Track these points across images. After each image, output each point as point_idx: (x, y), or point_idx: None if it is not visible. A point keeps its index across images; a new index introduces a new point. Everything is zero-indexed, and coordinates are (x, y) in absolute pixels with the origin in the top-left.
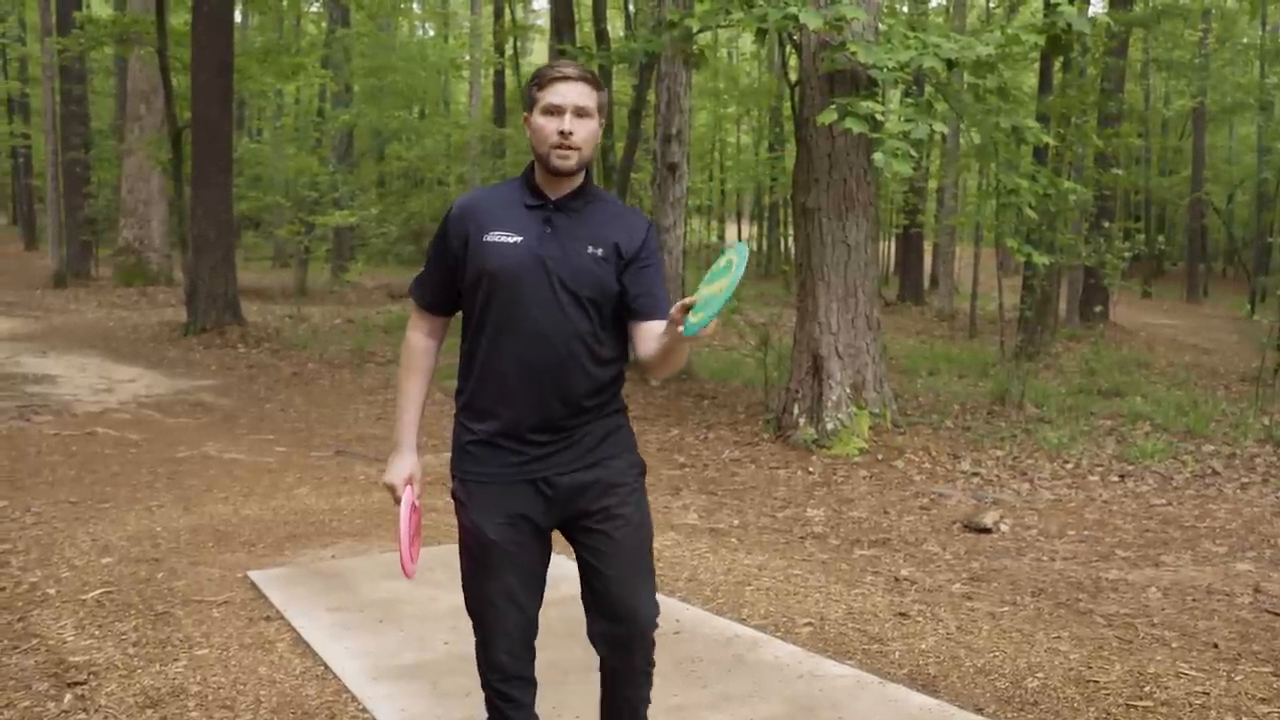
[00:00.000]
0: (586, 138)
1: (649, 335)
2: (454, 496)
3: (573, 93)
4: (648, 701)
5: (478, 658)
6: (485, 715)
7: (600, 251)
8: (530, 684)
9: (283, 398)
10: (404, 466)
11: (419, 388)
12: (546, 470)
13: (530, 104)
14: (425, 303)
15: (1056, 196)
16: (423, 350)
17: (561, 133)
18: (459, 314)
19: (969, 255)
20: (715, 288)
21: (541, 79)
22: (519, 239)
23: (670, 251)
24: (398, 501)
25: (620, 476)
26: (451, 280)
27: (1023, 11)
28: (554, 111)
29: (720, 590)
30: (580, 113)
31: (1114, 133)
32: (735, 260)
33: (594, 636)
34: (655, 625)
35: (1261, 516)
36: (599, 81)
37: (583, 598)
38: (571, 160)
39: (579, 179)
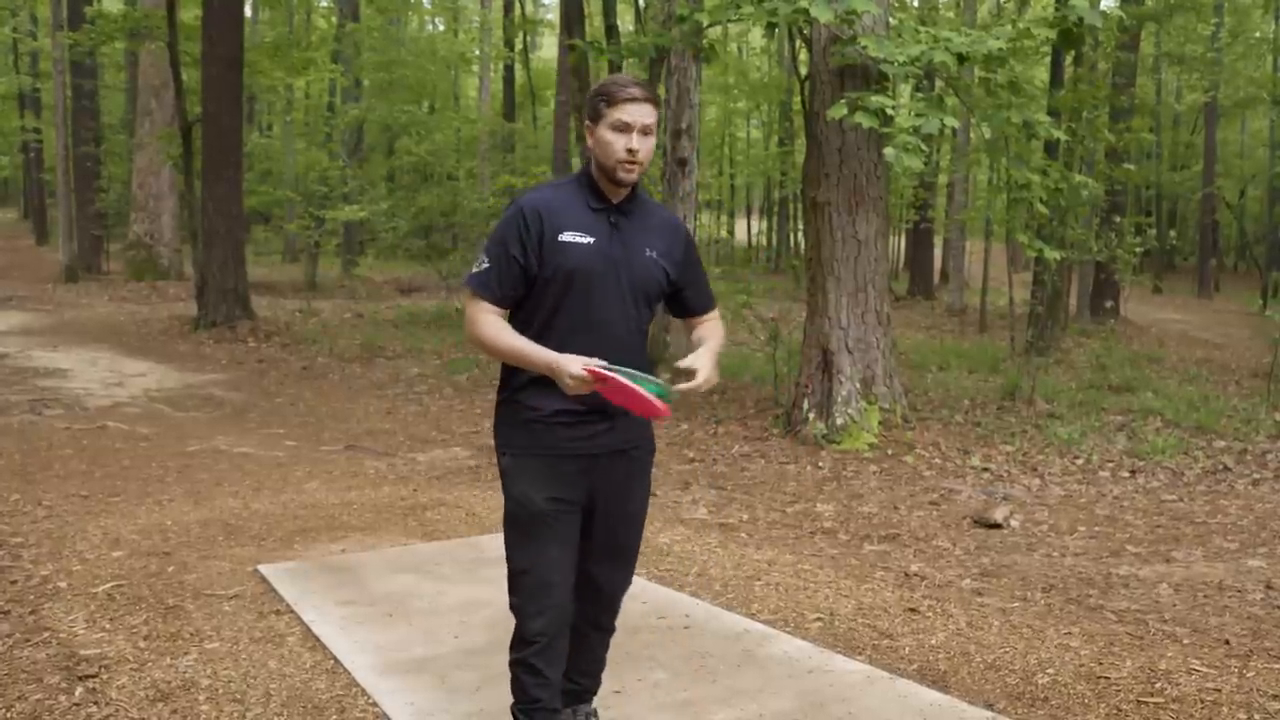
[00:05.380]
0: (648, 154)
1: (697, 326)
2: (502, 470)
3: (640, 113)
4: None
5: (514, 635)
6: (497, 705)
7: (655, 254)
8: (562, 659)
9: (292, 392)
10: (569, 356)
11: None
12: (594, 447)
13: (596, 116)
14: (496, 297)
15: (1067, 191)
16: (504, 323)
17: (630, 150)
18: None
19: (979, 250)
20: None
21: (611, 97)
22: (591, 239)
23: None
24: (596, 380)
25: (646, 458)
26: (524, 275)
27: (1034, 5)
28: (623, 129)
29: (730, 585)
30: (645, 131)
31: (1125, 127)
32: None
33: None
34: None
35: (1273, 513)
36: (658, 98)
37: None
38: (635, 174)
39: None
